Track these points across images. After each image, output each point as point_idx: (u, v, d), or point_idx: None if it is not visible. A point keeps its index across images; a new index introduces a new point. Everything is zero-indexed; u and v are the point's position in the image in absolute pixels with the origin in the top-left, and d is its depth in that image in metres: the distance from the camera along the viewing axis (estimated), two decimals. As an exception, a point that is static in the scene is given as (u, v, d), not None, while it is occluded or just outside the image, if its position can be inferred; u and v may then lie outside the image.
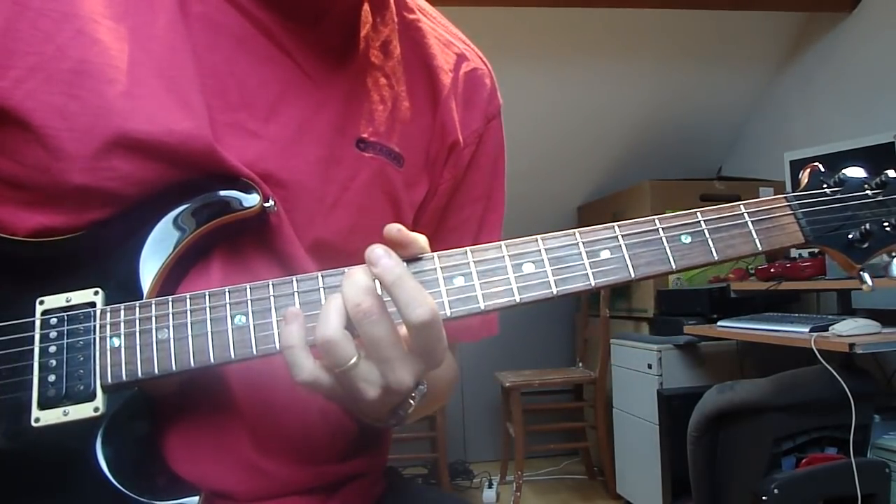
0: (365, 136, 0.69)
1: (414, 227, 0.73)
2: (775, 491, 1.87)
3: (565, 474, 3.64)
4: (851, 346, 1.87)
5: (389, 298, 0.53)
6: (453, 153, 0.75)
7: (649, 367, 2.69)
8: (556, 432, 3.58)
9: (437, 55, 0.76)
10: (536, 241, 0.58)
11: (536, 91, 3.19)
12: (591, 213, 3.75)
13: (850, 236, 0.62)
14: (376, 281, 0.53)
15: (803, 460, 1.99)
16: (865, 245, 0.61)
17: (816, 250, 2.50)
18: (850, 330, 1.99)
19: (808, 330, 2.05)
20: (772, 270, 2.53)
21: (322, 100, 0.68)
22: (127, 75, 0.59)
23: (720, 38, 3.19)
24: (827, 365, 1.94)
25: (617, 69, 3.24)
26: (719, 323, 2.52)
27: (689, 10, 2.92)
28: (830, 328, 2.02)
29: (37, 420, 0.54)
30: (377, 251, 0.53)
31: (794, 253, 2.72)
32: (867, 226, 0.61)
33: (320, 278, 0.57)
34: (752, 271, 2.69)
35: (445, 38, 0.78)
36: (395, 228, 0.55)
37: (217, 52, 0.64)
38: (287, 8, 0.66)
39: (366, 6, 0.72)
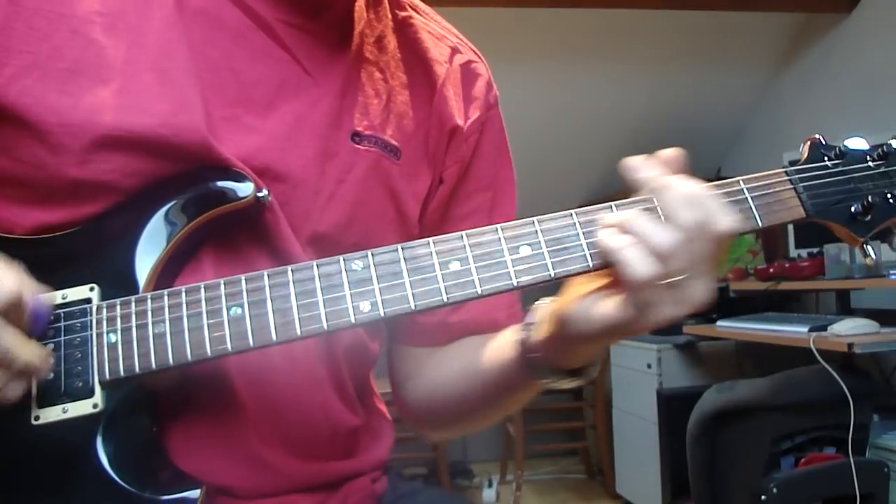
0: (360, 129, 0.70)
1: (420, 218, 0.74)
2: (774, 490, 1.87)
3: (565, 474, 3.64)
4: (850, 345, 1.88)
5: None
6: (454, 139, 0.76)
7: (649, 366, 2.70)
8: (556, 432, 3.58)
9: (431, 48, 0.76)
10: (533, 222, 0.57)
11: (535, 91, 3.18)
12: (591, 213, 3.74)
13: (853, 209, 0.60)
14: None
15: (802, 460, 1.99)
16: (868, 218, 0.60)
17: (816, 250, 2.51)
18: (848, 330, 1.99)
19: (806, 330, 2.05)
20: (771, 270, 2.53)
21: (318, 94, 0.68)
22: (122, 73, 0.60)
23: (720, 38, 3.18)
24: (826, 365, 1.94)
25: (616, 69, 3.24)
26: (718, 323, 2.52)
27: (688, 10, 2.92)
28: (829, 328, 2.02)
29: (37, 418, 0.54)
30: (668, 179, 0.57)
31: (793, 253, 2.73)
32: (870, 198, 0.60)
33: (315, 267, 0.56)
34: (752, 271, 2.69)
35: (438, 32, 0.79)
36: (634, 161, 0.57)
37: (215, 46, 0.64)
38: (286, 3, 0.67)
39: (360, 1, 0.73)
